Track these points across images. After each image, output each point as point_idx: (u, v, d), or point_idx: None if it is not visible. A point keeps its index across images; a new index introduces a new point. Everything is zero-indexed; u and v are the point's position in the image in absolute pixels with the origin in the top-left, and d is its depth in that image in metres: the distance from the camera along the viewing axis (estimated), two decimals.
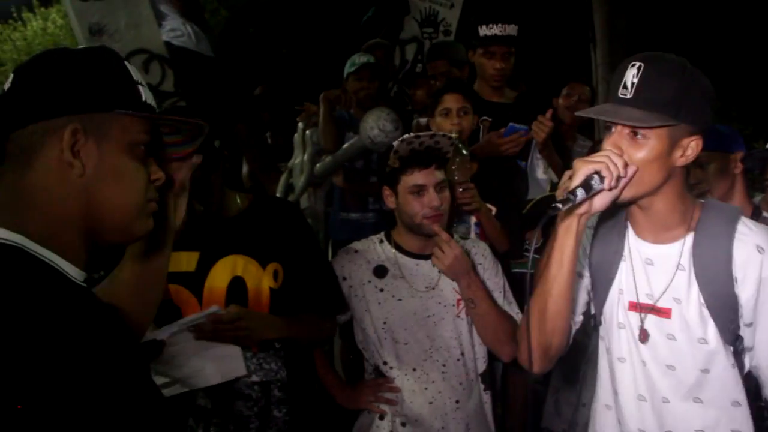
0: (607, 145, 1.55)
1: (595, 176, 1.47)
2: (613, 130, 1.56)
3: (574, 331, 1.76)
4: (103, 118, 1.10)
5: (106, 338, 1.05)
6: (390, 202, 2.37)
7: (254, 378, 2.06)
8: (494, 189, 2.95)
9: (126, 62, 1.17)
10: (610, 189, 1.50)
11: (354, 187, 3.91)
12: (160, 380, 1.98)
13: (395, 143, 2.31)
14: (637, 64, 1.53)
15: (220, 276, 2.06)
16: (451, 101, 3.00)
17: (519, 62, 3.47)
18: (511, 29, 3.33)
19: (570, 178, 1.52)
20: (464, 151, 2.80)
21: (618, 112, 1.54)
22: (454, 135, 2.81)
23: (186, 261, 2.07)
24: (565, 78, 4.11)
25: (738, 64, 12.44)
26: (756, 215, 2.62)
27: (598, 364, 1.78)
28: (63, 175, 1.08)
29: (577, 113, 1.74)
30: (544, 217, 1.50)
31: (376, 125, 3.24)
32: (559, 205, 1.47)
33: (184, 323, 1.92)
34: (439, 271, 2.33)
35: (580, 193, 1.47)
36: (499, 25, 3.31)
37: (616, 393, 1.72)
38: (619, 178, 1.49)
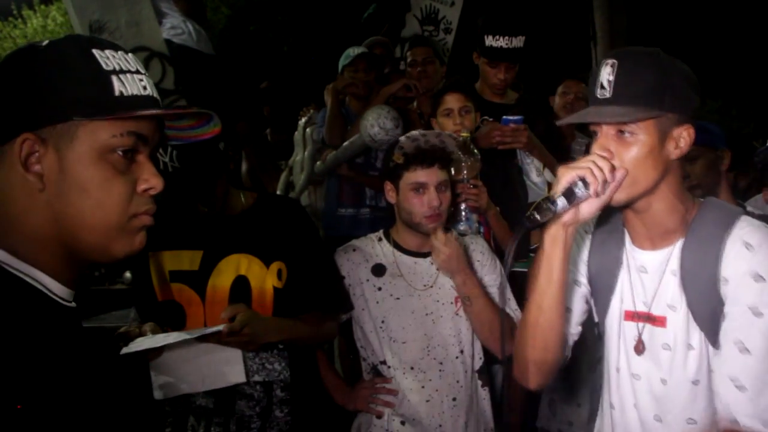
0: (596, 149, 1.47)
1: (579, 183, 1.40)
2: (600, 133, 1.48)
3: (571, 342, 1.70)
4: (63, 127, 0.98)
5: (78, 359, 0.99)
6: (391, 197, 2.38)
7: (256, 378, 2.06)
8: (497, 190, 2.95)
9: (98, 50, 1.02)
10: (597, 195, 1.42)
11: (358, 177, 3.89)
12: (160, 381, 1.97)
13: (402, 139, 2.31)
14: (611, 61, 1.47)
15: (223, 275, 2.05)
16: (452, 101, 2.99)
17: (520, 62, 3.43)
18: (518, 41, 3.23)
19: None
20: (475, 151, 2.79)
21: (600, 112, 1.47)
22: (464, 134, 2.81)
23: (189, 260, 2.07)
24: (561, 76, 4.10)
25: (738, 63, 12.44)
26: None
27: (603, 372, 1.72)
28: (26, 187, 0.98)
29: (558, 123, 1.70)
30: (521, 228, 1.44)
31: (376, 123, 3.24)
32: (537, 216, 1.41)
33: (187, 335, 1.90)
34: (437, 269, 2.33)
35: (561, 202, 1.40)
36: (506, 37, 3.21)
37: (612, 406, 1.66)
38: (605, 183, 1.42)
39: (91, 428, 0.99)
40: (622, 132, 1.46)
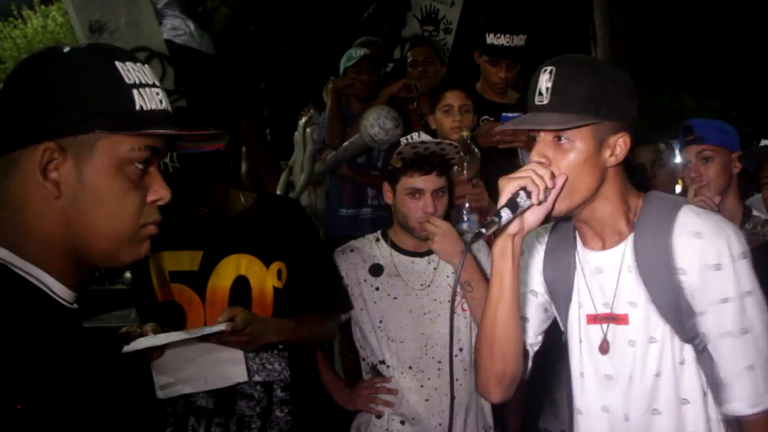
0: (534, 156, 1.49)
1: (521, 192, 1.41)
2: (538, 139, 1.50)
3: (533, 352, 1.71)
4: (84, 138, 1.00)
5: (79, 361, 1.00)
6: (388, 197, 2.39)
7: (257, 378, 2.07)
8: (497, 189, 2.94)
9: (120, 62, 1.04)
10: (540, 203, 1.44)
11: (359, 177, 3.89)
12: (162, 381, 1.97)
13: (402, 143, 2.31)
14: (549, 68, 1.48)
15: (223, 275, 2.05)
16: (453, 98, 2.98)
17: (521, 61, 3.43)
18: (519, 40, 3.24)
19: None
20: (475, 150, 2.79)
21: (536, 119, 1.49)
22: (464, 132, 2.80)
23: (189, 260, 2.07)
24: None
25: (738, 63, 12.44)
26: (747, 215, 2.63)
27: (572, 379, 1.71)
28: (40, 192, 1.00)
29: (498, 128, 1.70)
30: (469, 243, 1.47)
31: (376, 123, 3.24)
32: (483, 230, 1.41)
33: (188, 335, 1.90)
34: (434, 268, 2.34)
35: (506, 214, 1.41)
36: (507, 35, 3.22)
37: (579, 411, 1.66)
38: (547, 190, 1.43)
39: (93, 429, 0.99)
40: (559, 138, 1.47)
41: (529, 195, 1.41)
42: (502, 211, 1.41)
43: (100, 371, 1.05)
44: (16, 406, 0.89)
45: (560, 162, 1.47)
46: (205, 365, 1.96)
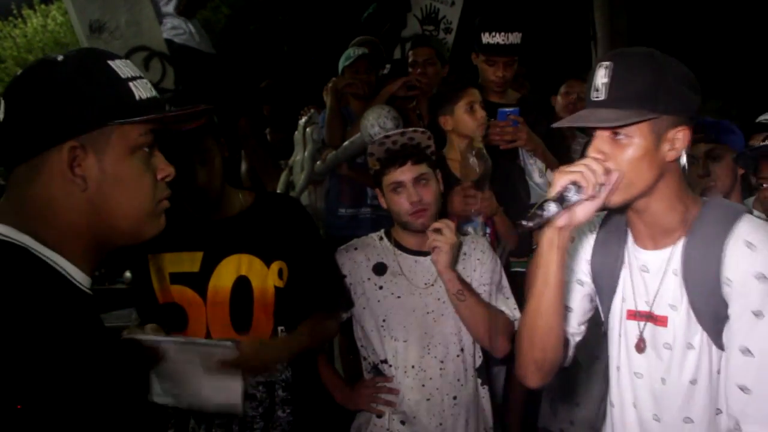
0: (591, 151, 1.48)
1: (571, 187, 1.40)
2: (595, 135, 1.49)
3: (574, 342, 1.72)
4: (100, 132, 1.11)
5: (97, 345, 1.07)
6: (382, 202, 2.40)
7: (259, 378, 2.06)
8: (499, 191, 2.94)
9: (111, 61, 1.15)
10: (591, 198, 1.43)
11: (359, 177, 3.89)
12: (157, 389, 1.95)
13: (369, 147, 2.33)
14: (606, 63, 1.46)
15: (224, 275, 2.05)
16: (474, 96, 2.92)
17: (520, 61, 3.43)
18: (515, 37, 3.24)
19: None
20: (487, 157, 2.77)
21: (593, 115, 1.47)
22: (477, 144, 2.78)
23: (189, 261, 2.07)
24: (563, 76, 4.10)
25: (738, 63, 12.43)
26: None
27: (609, 371, 1.72)
28: (66, 189, 1.10)
29: (554, 125, 1.68)
30: (516, 230, 1.46)
31: (376, 123, 3.24)
32: (527, 223, 1.41)
33: (192, 342, 1.87)
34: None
35: (552, 208, 1.40)
36: (502, 33, 3.22)
37: (612, 404, 1.68)
38: (600, 186, 1.42)
39: (112, 408, 1.05)
40: (616, 134, 1.45)
41: (579, 190, 1.41)
42: (548, 204, 1.41)
43: (115, 355, 1.12)
44: (42, 385, 0.94)
45: (618, 158, 1.45)
46: (202, 387, 1.88)
